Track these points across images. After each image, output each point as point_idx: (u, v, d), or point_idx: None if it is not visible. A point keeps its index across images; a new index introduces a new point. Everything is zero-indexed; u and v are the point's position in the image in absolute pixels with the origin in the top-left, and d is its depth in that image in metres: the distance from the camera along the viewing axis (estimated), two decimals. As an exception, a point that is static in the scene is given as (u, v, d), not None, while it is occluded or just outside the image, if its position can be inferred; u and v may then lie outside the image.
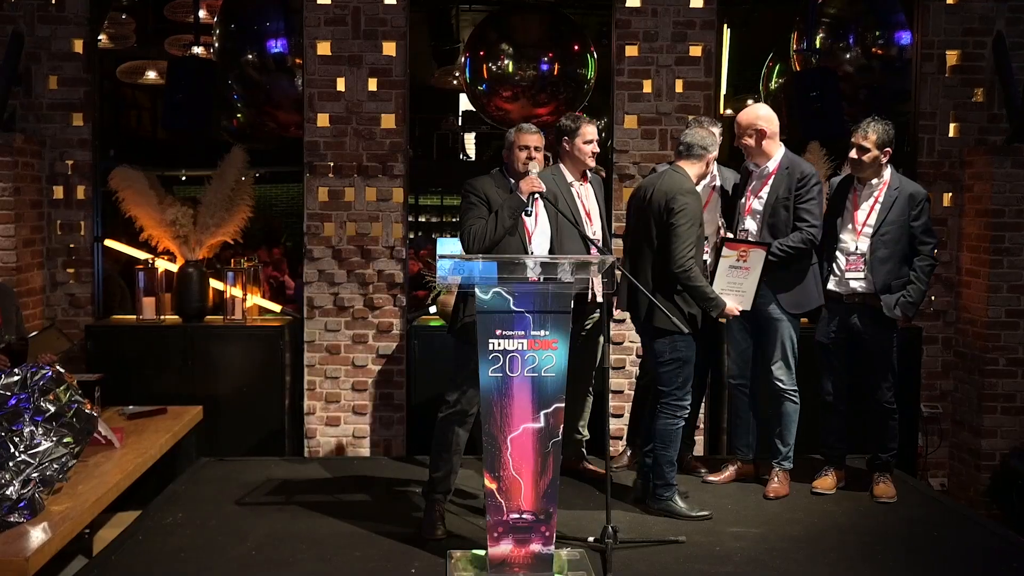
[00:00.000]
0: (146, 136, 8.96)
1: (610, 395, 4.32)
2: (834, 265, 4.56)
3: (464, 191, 4.19)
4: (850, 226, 4.52)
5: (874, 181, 4.48)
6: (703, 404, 5.30)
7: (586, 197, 4.60)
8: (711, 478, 4.86)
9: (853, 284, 4.49)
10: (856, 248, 4.49)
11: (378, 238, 5.75)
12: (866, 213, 4.48)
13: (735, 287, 4.42)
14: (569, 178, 4.58)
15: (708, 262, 4.60)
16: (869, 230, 4.48)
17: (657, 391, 4.36)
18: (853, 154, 4.48)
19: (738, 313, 4.40)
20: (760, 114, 4.60)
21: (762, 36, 7.37)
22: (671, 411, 4.32)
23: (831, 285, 4.57)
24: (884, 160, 4.44)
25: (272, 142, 6.61)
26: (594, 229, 4.56)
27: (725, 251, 4.46)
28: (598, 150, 4.58)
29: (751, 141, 4.59)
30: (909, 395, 5.64)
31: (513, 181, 4.15)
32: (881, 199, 4.46)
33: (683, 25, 5.75)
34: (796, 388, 4.65)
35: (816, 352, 4.69)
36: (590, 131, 4.53)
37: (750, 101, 7.79)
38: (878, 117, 4.48)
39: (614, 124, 5.80)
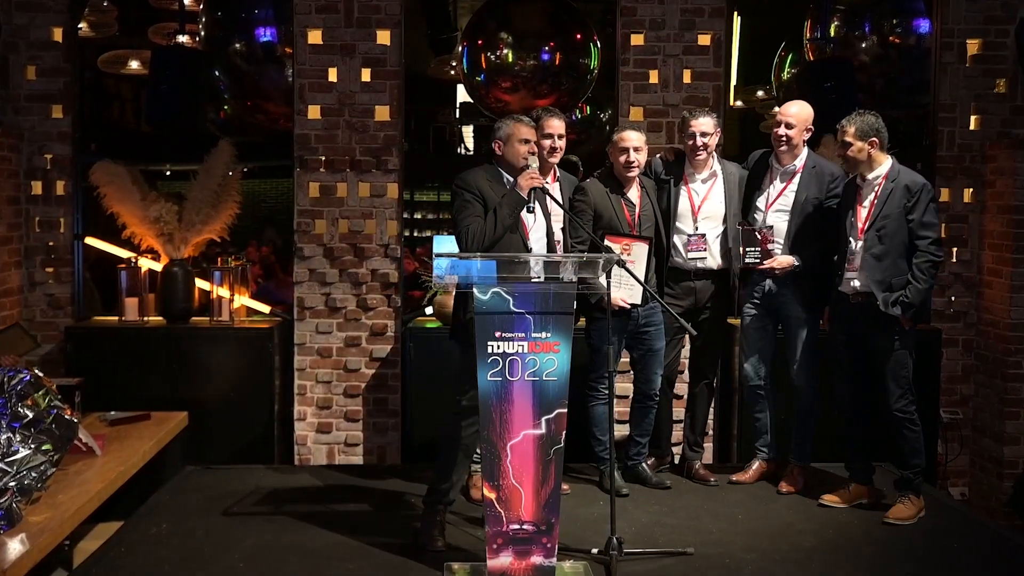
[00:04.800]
0: (129, 129, 8.94)
1: (615, 400, 4.36)
2: (844, 265, 4.58)
3: (456, 187, 4.12)
4: (853, 223, 4.53)
5: (871, 176, 4.48)
6: (711, 410, 5.31)
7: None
8: (735, 478, 4.97)
9: (854, 283, 4.49)
10: (857, 246, 4.51)
11: (372, 236, 5.75)
12: (867, 210, 4.49)
13: (621, 279, 4.50)
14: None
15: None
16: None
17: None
18: (838, 151, 4.53)
19: (626, 305, 4.59)
20: (811, 112, 4.73)
21: (774, 24, 7.37)
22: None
23: (840, 287, 4.58)
24: (873, 151, 4.43)
25: (261, 135, 6.60)
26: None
27: (608, 244, 4.58)
28: (559, 145, 4.60)
29: (799, 138, 4.69)
30: (928, 400, 5.64)
31: (508, 176, 4.14)
32: (879, 193, 4.47)
33: (691, 13, 5.76)
34: (816, 385, 4.78)
35: (829, 357, 4.72)
36: (556, 124, 4.57)
37: (760, 92, 7.81)
38: (861, 110, 4.50)
39: (619, 116, 5.81)
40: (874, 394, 4.55)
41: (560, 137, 4.55)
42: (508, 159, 4.16)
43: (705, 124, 4.76)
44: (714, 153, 4.88)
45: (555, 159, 4.58)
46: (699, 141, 4.76)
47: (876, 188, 4.46)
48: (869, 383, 4.56)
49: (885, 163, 4.47)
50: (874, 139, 4.41)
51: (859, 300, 4.48)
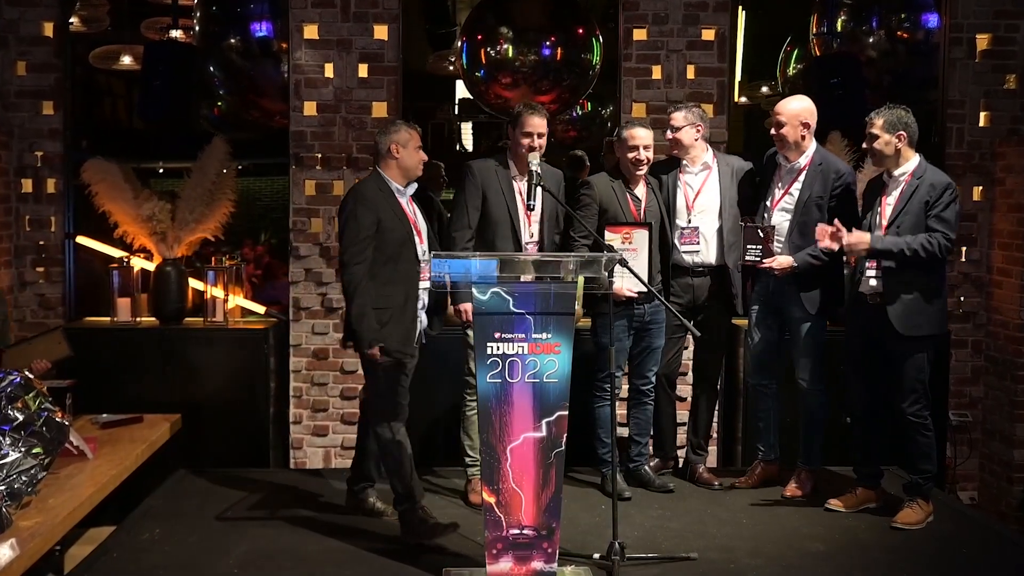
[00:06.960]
0: (121, 126, 8.93)
1: (617, 401, 4.37)
2: (864, 264, 4.57)
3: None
4: (878, 221, 4.52)
5: (898, 172, 4.48)
6: (716, 412, 5.31)
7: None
8: (738, 483, 4.97)
9: (872, 283, 4.49)
10: None
11: (369, 235, 5.74)
12: (892, 207, 4.48)
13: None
14: (513, 171, 4.64)
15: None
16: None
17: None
18: (865, 144, 4.53)
19: (632, 294, 4.60)
20: (806, 107, 4.70)
21: (779, 19, 7.38)
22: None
23: (861, 287, 4.57)
24: (900, 145, 4.43)
25: (256, 132, 6.60)
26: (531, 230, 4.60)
27: (608, 235, 4.59)
28: (537, 144, 4.58)
29: (793, 134, 4.66)
30: (937, 403, 5.61)
31: (395, 184, 4.21)
32: (904, 190, 4.46)
33: (695, 7, 5.75)
34: (822, 387, 4.74)
35: (844, 360, 4.71)
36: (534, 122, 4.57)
37: (765, 88, 7.81)
38: (891, 104, 4.49)
39: (621, 112, 5.81)
40: (887, 397, 4.55)
41: (540, 136, 4.54)
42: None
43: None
44: (708, 146, 4.89)
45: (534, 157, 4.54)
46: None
47: (902, 185, 4.45)
48: (883, 386, 4.56)
49: (913, 160, 4.46)
50: (902, 133, 4.40)
51: (877, 301, 4.47)
